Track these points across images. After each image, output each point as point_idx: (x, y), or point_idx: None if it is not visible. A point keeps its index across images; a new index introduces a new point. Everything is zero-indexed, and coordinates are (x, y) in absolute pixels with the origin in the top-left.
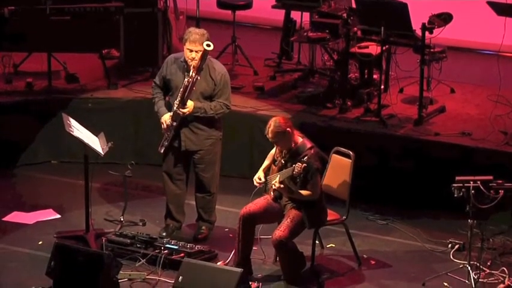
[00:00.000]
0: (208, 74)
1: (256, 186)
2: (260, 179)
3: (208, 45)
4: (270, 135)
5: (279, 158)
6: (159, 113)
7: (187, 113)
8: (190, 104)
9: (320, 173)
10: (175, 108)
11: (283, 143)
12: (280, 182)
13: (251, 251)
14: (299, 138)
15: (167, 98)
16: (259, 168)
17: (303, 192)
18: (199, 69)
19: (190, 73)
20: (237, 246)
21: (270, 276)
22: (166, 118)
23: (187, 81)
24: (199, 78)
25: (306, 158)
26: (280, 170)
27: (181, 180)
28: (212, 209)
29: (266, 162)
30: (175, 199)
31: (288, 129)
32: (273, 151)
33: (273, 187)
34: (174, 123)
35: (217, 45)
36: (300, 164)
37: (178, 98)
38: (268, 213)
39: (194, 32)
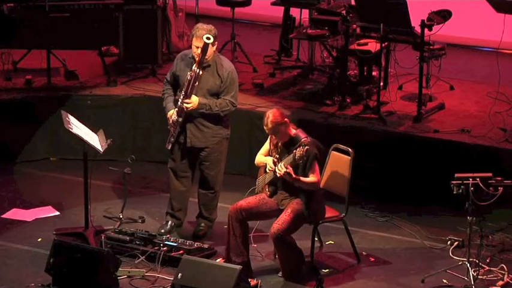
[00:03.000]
0: (216, 71)
1: (250, 186)
2: (274, 163)
3: (208, 38)
4: (269, 126)
5: (273, 154)
6: (166, 109)
7: (191, 108)
8: (194, 99)
9: (317, 160)
10: (179, 102)
11: (281, 134)
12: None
13: (247, 250)
14: (293, 130)
15: (177, 97)
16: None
17: (307, 179)
18: (201, 63)
19: (193, 67)
20: (227, 243)
21: (268, 273)
22: (171, 114)
23: (190, 76)
24: (201, 73)
25: (306, 145)
26: (275, 165)
27: (186, 178)
28: (214, 207)
29: (263, 150)
30: (179, 196)
31: (285, 119)
32: (264, 149)
33: (278, 172)
34: (180, 119)
35: (217, 42)
36: (300, 148)
37: (182, 93)
38: (261, 210)
39: (201, 28)
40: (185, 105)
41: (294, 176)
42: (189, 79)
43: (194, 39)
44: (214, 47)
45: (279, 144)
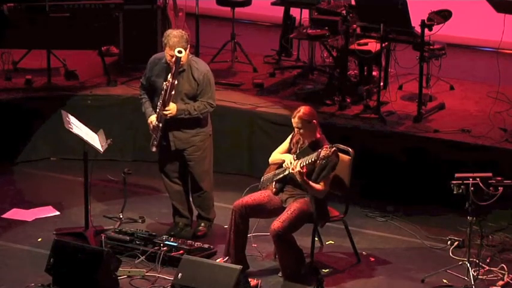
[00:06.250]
0: (191, 75)
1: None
2: (291, 162)
3: (179, 52)
4: (296, 119)
5: (293, 151)
6: (146, 114)
7: (170, 115)
8: (172, 106)
9: (333, 170)
10: (158, 110)
11: (305, 131)
12: (301, 167)
13: (245, 246)
14: (317, 134)
15: (155, 99)
16: (258, 166)
17: (315, 185)
18: (175, 74)
19: (168, 77)
20: (228, 239)
21: (269, 273)
22: (152, 119)
23: (166, 85)
24: (176, 82)
25: (333, 146)
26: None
27: (179, 178)
28: (209, 207)
29: (281, 149)
30: (177, 195)
31: (314, 120)
32: (282, 148)
33: (294, 170)
34: (160, 124)
35: (217, 42)
36: (327, 148)
37: (160, 101)
38: (265, 207)
39: (173, 36)
40: (164, 113)
41: (304, 178)
42: (165, 89)
43: (167, 48)
44: (187, 50)
45: (301, 142)
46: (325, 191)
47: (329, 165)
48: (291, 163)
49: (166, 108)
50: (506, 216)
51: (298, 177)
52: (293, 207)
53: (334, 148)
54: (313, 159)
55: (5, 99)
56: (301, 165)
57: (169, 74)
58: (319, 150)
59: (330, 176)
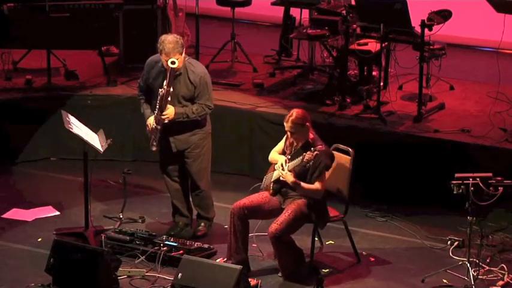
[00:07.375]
0: (187, 78)
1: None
2: (281, 165)
3: (173, 63)
4: (289, 124)
5: (287, 152)
6: (145, 115)
7: (168, 119)
8: (170, 110)
9: (327, 171)
10: (155, 115)
11: (298, 135)
12: (289, 170)
13: (246, 247)
14: (311, 135)
15: (154, 101)
16: (258, 166)
17: (308, 185)
18: (170, 82)
19: (164, 85)
20: (229, 242)
21: (268, 273)
22: (151, 121)
23: (161, 92)
24: (171, 90)
25: (316, 150)
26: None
27: (180, 177)
28: (208, 206)
29: (278, 148)
30: (178, 194)
31: (307, 123)
32: (279, 147)
33: (281, 174)
34: (159, 127)
35: (217, 42)
36: (310, 152)
37: (157, 107)
38: (263, 209)
39: (167, 42)
40: (162, 117)
41: (294, 180)
42: (161, 95)
43: (163, 55)
44: (183, 54)
45: (295, 144)
46: (321, 191)
47: (320, 167)
48: (280, 166)
49: (164, 113)
50: (506, 216)
51: (288, 181)
52: (290, 208)
53: (316, 152)
54: (298, 162)
55: (5, 99)
56: (289, 169)
57: (165, 81)
58: (304, 154)
59: (324, 176)
